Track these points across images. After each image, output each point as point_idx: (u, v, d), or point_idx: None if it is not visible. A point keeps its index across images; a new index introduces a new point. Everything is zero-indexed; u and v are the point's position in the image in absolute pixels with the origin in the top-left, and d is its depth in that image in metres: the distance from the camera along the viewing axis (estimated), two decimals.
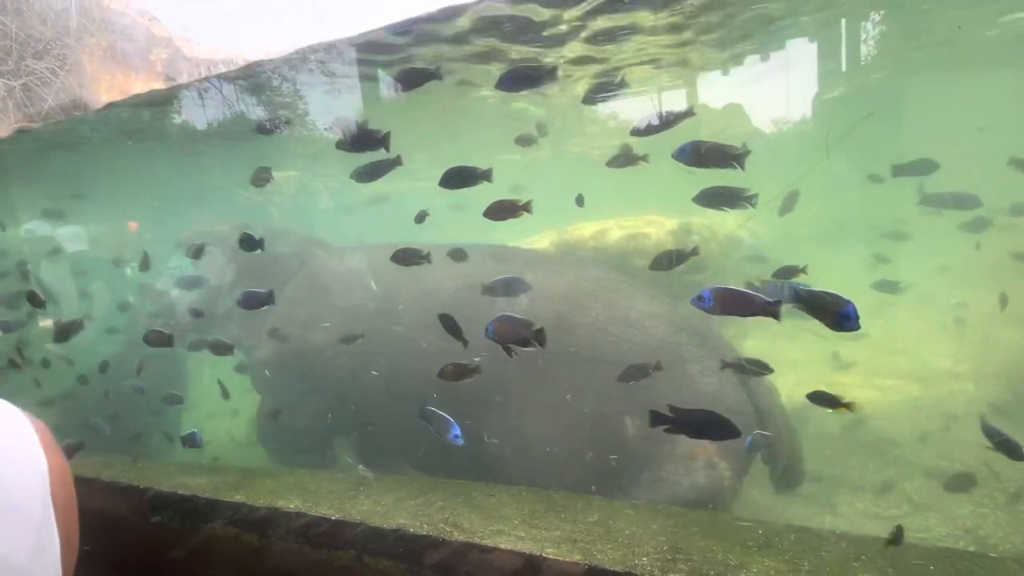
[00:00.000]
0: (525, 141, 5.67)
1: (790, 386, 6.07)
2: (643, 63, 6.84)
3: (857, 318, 2.05)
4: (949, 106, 10.37)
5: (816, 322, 2.35)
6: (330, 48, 5.87)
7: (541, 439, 4.64)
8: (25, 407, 0.99)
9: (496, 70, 6.53)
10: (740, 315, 2.50)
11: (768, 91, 9.82)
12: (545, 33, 5.37)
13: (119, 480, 4.12)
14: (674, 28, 5.85)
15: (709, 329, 4.99)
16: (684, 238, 7.34)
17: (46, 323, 7.10)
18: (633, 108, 10.21)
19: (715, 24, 5.93)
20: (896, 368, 7.44)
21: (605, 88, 6.98)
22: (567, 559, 2.73)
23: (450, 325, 3.82)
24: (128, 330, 7.68)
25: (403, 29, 5.30)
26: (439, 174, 3.64)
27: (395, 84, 5.32)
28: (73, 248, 9.91)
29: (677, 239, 7.29)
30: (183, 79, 5.69)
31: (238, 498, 3.67)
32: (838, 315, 2.08)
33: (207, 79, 6.08)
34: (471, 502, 3.47)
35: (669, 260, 4.18)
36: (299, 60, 6.21)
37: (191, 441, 4.73)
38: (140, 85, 5.52)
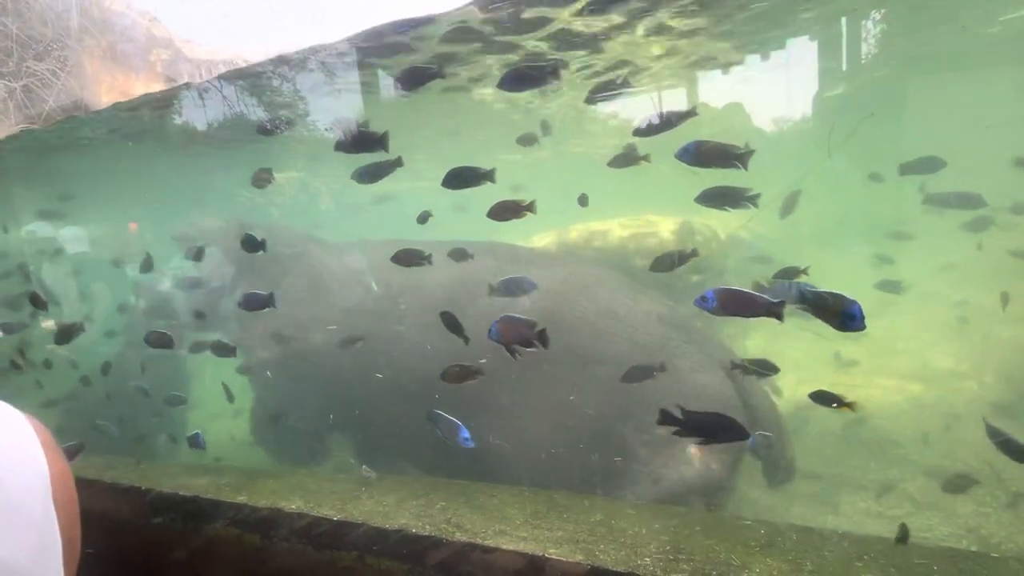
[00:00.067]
0: (527, 141, 5.66)
1: (791, 385, 6.08)
2: (645, 60, 6.84)
3: (863, 318, 2.05)
4: (949, 105, 10.36)
5: (817, 321, 2.34)
6: (330, 48, 5.87)
7: (530, 436, 4.64)
8: (26, 409, 0.99)
9: (498, 69, 6.53)
10: (743, 316, 2.50)
11: (769, 90, 9.81)
12: (547, 30, 5.38)
13: (121, 481, 4.13)
14: (671, 28, 5.86)
15: (695, 324, 5.02)
16: (686, 238, 7.33)
17: (48, 324, 7.11)
18: (634, 108, 10.22)
19: (718, 19, 5.92)
20: (898, 367, 7.43)
21: (607, 88, 6.97)
22: (569, 559, 2.73)
23: (451, 323, 3.82)
24: (127, 331, 7.68)
25: (404, 28, 5.30)
26: (441, 174, 3.64)
27: (397, 84, 5.32)
28: (73, 249, 9.92)
29: (679, 239, 7.28)
30: (183, 80, 5.69)
31: (240, 499, 3.67)
32: (843, 315, 2.08)
33: (207, 80, 6.08)
34: (473, 502, 3.47)
35: (670, 261, 4.18)
36: (299, 61, 6.21)
37: (194, 442, 4.74)
38: (141, 86, 5.52)
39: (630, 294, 5.13)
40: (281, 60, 6.09)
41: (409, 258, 4.13)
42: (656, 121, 3.27)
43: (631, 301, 5.01)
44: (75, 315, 8.88)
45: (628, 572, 2.60)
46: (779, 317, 2.37)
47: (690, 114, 3.23)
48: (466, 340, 3.81)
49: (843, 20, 7.19)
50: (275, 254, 6.43)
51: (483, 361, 3.79)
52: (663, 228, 7.46)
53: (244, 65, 5.84)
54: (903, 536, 2.73)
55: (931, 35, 7.64)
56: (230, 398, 6.14)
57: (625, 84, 6.68)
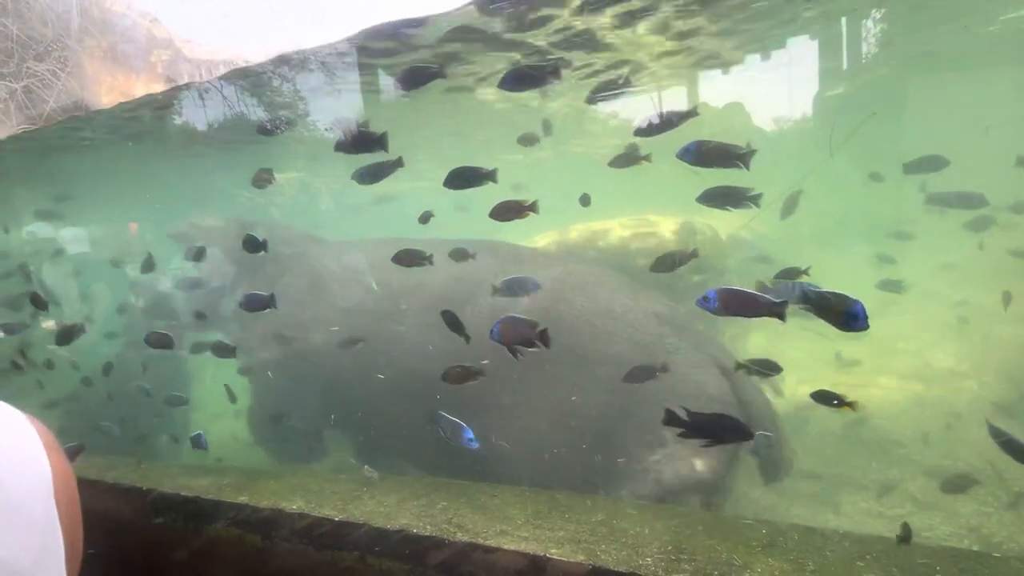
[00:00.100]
0: (528, 140, 5.66)
1: (792, 385, 6.08)
2: (646, 59, 6.84)
3: (866, 318, 2.05)
4: (950, 104, 10.35)
5: (818, 321, 2.34)
6: (331, 48, 5.87)
7: (528, 434, 4.65)
8: (28, 410, 0.99)
9: (503, 64, 6.50)
10: (745, 316, 2.50)
11: (769, 89, 9.81)
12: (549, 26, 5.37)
13: (122, 482, 4.13)
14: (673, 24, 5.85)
15: (692, 322, 5.03)
16: (687, 238, 7.33)
17: (48, 324, 7.11)
18: (634, 107, 10.22)
19: (718, 18, 5.92)
20: (898, 367, 7.43)
21: (609, 87, 6.96)
22: (571, 559, 2.72)
23: (452, 322, 3.82)
24: (127, 332, 7.69)
25: (404, 28, 5.30)
26: (442, 174, 3.64)
27: (398, 83, 5.32)
28: (74, 249, 9.93)
29: (680, 239, 7.28)
30: (184, 80, 5.69)
31: (241, 499, 3.67)
32: (847, 315, 2.08)
33: (208, 80, 6.08)
34: (474, 502, 3.47)
35: (670, 262, 4.18)
36: (299, 61, 6.21)
37: (197, 443, 4.75)
38: (141, 87, 5.52)
39: (627, 293, 5.15)
40: (281, 60, 6.09)
41: (410, 258, 4.13)
42: (657, 121, 3.27)
43: (628, 300, 5.03)
44: (76, 316, 8.89)
45: (630, 572, 2.59)
46: (781, 317, 2.37)
47: (691, 114, 3.23)
48: (467, 338, 3.81)
49: (843, 20, 7.18)
50: (274, 253, 6.43)
51: (486, 362, 3.79)
52: (664, 228, 7.45)
53: (244, 65, 5.84)
54: (906, 536, 2.73)
55: (932, 34, 7.63)
56: (232, 399, 6.15)
57: (627, 84, 6.67)
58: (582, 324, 4.75)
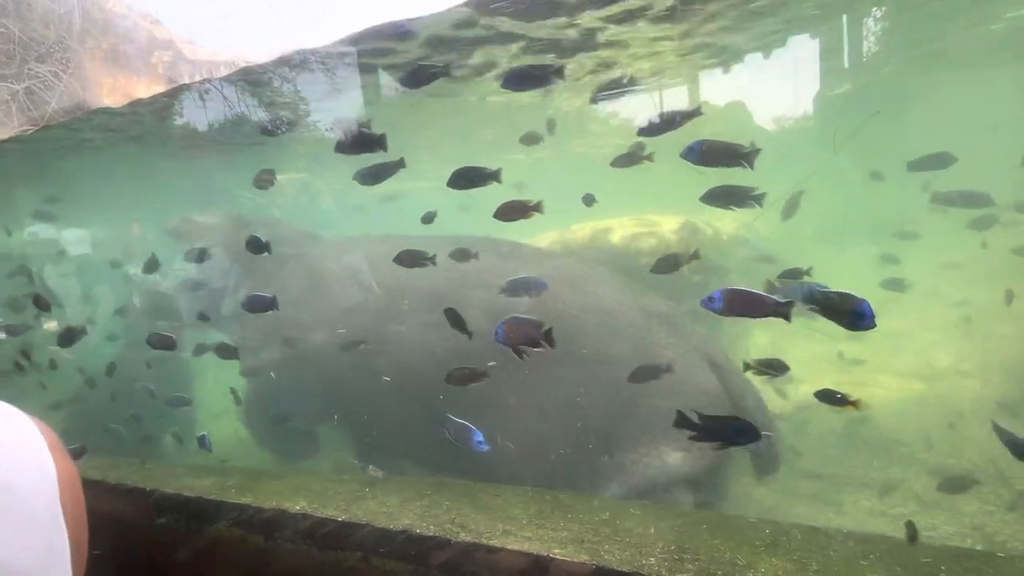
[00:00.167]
0: (530, 140, 5.65)
1: (794, 384, 6.07)
2: (648, 56, 6.82)
3: (872, 317, 2.04)
4: (951, 103, 10.33)
5: (821, 320, 2.34)
6: (331, 48, 5.87)
7: (515, 429, 4.64)
8: (32, 411, 0.99)
9: (507, 60, 6.48)
10: (751, 316, 2.50)
11: (771, 88, 9.79)
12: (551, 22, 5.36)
13: (125, 482, 4.13)
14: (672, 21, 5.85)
15: (683, 318, 5.05)
16: (688, 237, 7.32)
17: (50, 325, 7.12)
18: (634, 107, 10.21)
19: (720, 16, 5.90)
20: (901, 366, 7.42)
21: (612, 86, 6.95)
22: (574, 559, 2.72)
23: (455, 319, 3.83)
24: (128, 332, 7.70)
25: (405, 28, 5.29)
26: (443, 174, 3.64)
27: (402, 82, 5.32)
28: (75, 251, 9.94)
29: (681, 238, 7.28)
30: (185, 81, 5.69)
31: (244, 500, 3.68)
32: (853, 314, 2.07)
33: (208, 80, 6.08)
34: (477, 502, 3.47)
35: (671, 263, 4.19)
36: (300, 61, 6.21)
37: (201, 444, 4.76)
38: (142, 88, 5.52)
39: (618, 289, 5.18)
40: (282, 60, 6.09)
41: (412, 259, 4.13)
42: (661, 120, 3.26)
43: (619, 295, 5.07)
44: (77, 317, 8.90)
45: (633, 572, 2.59)
46: (787, 318, 2.37)
47: (695, 113, 3.22)
48: (469, 335, 3.82)
49: (844, 17, 7.17)
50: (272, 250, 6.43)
51: (492, 364, 3.79)
52: (665, 228, 7.45)
53: (245, 66, 5.84)
54: (913, 534, 2.72)
55: (934, 32, 7.61)
56: (237, 401, 6.16)
57: (631, 83, 6.66)
58: (572, 320, 4.76)
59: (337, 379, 5.67)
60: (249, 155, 9.66)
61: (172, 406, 6.34)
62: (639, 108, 10.04)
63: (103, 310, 9.06)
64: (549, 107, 9.61)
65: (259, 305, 4.33)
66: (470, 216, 6.38)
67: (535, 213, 3.52)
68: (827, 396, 3.13)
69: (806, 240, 9.35)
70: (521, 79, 3.29)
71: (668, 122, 3.24)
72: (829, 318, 2.21)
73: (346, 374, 5.57)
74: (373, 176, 3.70)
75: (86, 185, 10.68)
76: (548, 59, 6.30)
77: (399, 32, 5.37)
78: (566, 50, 6.16)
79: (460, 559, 2.94)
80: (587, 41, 6.00)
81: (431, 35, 5.52)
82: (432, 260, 4.09)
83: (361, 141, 3.45)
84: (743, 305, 2.47)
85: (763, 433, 4.02)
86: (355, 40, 5.61)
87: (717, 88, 9.13)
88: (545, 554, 2.79)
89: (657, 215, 7.78)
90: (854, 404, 3.03)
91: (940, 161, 4.91)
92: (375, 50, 5.94)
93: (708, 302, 2.54)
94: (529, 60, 6.27)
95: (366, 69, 6.60)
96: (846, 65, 8.60)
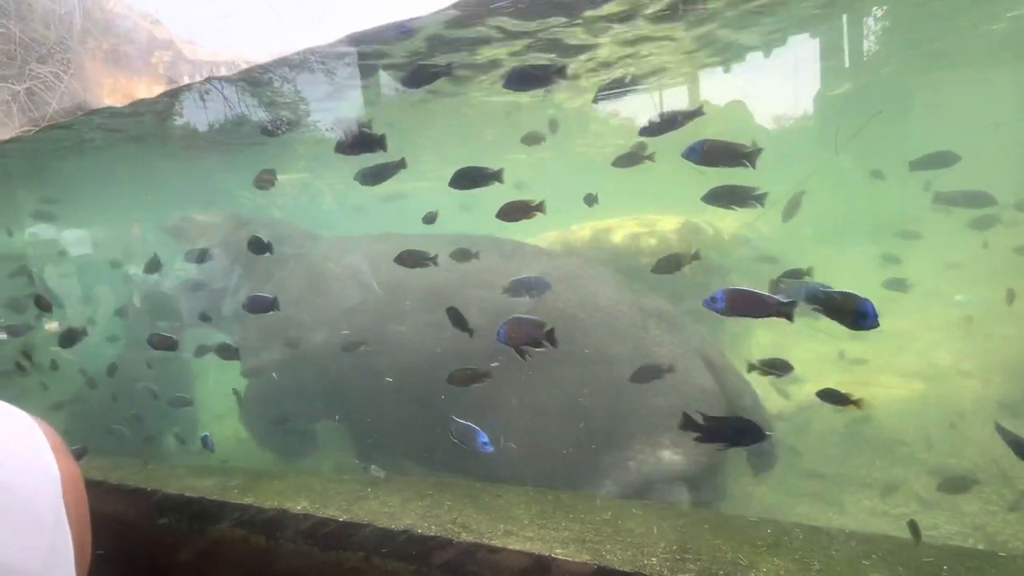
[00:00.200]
0: (532, 139, 5.65)
1: (796, 383, 6.06)
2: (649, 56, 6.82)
3: (876, 316, 2.04)
4: (952, 102, 10.32)
5: (823, 320, 2.34)
6: (332, 48, 5.87)
7: (512, 428, 4.64)
8: (34, 412, 0.99)
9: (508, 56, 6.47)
10: (753, 316, 2.50)
11: (772, 88, 9.78)
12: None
13: (127, 483, 4.13)
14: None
15: (678, 316, 5.06)
16: (689, 237, 7.32)
17: (51, 326, 7.12)
18: (635, 106, 10.20)
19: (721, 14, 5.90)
20: (902, 366, 7.41)
21: (614, 86, 6.94)
22: (576, 559, 2.72)
23: (457, 318, 3.83)
24: (128, 332, 7.70)
25: (406, 27, 5.29)
26: (445, 173, 3.63)
27: (403, 82, 5.31)
28: (76, 251, 9.94)
29: (682, 238, 7.27)
30: (185, 82, 5.69)
31: (246, 500, 3.68)
32: (856, 313, 2.07)
33: (208, 80, 6.08)
34: (479, 502, 3.47)
35: (672, 264, 4.18)
36: (300, 61, 6.21)
37: (204, 444, 4.76)
38: (142, 88, 5.52)
39: (612, 286, 5.20)
40: (282, 61, 6.08)
41: (413, 259, 4.12)
42: (663, 120, 3.26)
43: (612, 292, 5.08)
44: (78, 317, 8.90)
45: (635, 572, 2.59)
46: (789, 318, 2.37)
47: (697, 113, 3.22)
48: (471, 333, 3.83)
49: (843, 17, 7.16)
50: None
51: (495, 365, 3.80)
52: (666, 227, 7.45)
53: (245, 66, 5.84)
54: (916, 533, 2.72)
55: (935, 31, 7.60)
56: (240, 402, 6.16)
57: (634, 82, 6.66)
58: (568, 318, 4.77)
59: (337, 378, 5.68)
60: (250, 155, 9.66)
61: (173, 406, 6.34)
62: (640, 108, 10.04)
63: (103, 310, 9.06)
64: (550, 107, 9.61)
65: (260, 306, 4.33)
66: (472, 216, 6.38)
67: (537, 213, 3.52)
68: (829, 395, 3.13)
69: (807, 240, 9.34)
70: (523, 79, 3.29)
71: (669, 122, 3.24)
72: (832, 318, 2.21)
73: (346, 373, 5.58)
74: (374, 176, 3.70)
75: (87, 185, 10.69)
76: (549, 58, 6.30)
77: (400, 32, 5.37)
78: (567, 49, 6.16)
79: (462, 559, 2.94)
80: (588, 40, 5.99)
81: (432, 34, 5.51)
82: (434, 260, 4.09)
83: (361, 141, 3.45)
84: (745, 305, 2.47)
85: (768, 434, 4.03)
86: (355, 40, 5.61)
87: (717, 87, 9.13)
88: (547, 554, 2.79)
89: (658, 215, 7.78)
90: (856, 403, 3.02)
91: (943, 160, 4.89)
92: (376, 50, 5.94)
93: (711, 302, 2.54)
94: (533, 59, 6.27)
95: (366, 69, 6.60)
96: (846, 64, 8.59)
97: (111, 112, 5.86)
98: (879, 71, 9.22)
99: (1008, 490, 4.85)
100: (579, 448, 4.50)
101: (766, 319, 2.56)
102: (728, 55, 7.37)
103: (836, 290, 2.20)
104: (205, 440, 4.77)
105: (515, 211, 3.54)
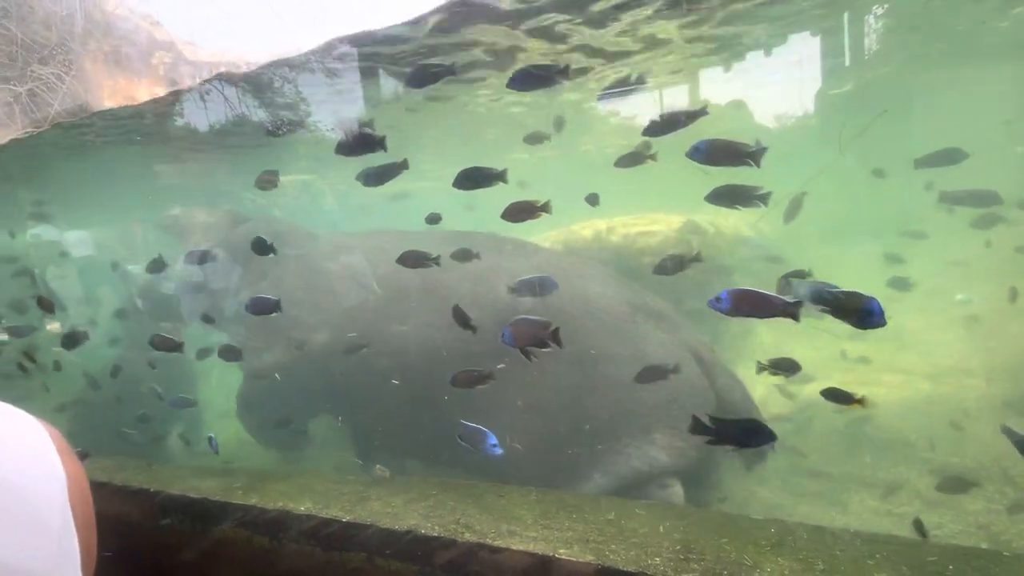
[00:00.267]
0: (535, 139, 5.65)
1: (799, 383, 6.05)
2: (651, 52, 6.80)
3: (882, 314, 2.04)
4: (953, 101, 10.28)
5: (826, 319, 2.33)
6: (332, 49, 5.86)
7: (504, 424, 4.64)
8: (36, 413, 0.99)
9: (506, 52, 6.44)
10: (758, 316, 2.49)
11: (773, 87, 9.76)
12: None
13: (130, 484, 4.14)
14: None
15: (668, 311, 5.08)
16: (691, 236, 7.31)
17: (53, 327, 7.13)
18: (637, 105, 10.19)
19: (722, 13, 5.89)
20: (906, 364, 7.39)
21: (618, 85, 6.94)
22: (579, 559, 2.72)
23: (460, 317, 3.83)
24: (128, 333, 7.70)
25: (406, 27, 5.29)
26: (448, 173, 3.63)
27: (407, 82, 5.30)
28: (77, 252, 9.95)
29: (684, 237, 7.26)
30: (186, 83, 5.69)
31: (249, 501, 3.68)
32: (863, 312, 2.06)
33: (209, 81, 6.08)
34: (482, 503, 3.46)
35: (673, 265, 4.18)
36: (301, 62, 6.20)
37: (209, 445, 4.77)
38: (143, 90, 5.52)
39: (603, 281, 5.24)
40: (283, 62, 6.08)
41: (416, 259, 4.12)
42: (666, 120, 3.25)
43: (602, 287, 5.12)
44: (80, 318, 8.91)
45: (638, 572, 2.59)
46: (795, 318, 2.36)
47: (700, 113, 3.21)
48: (474, 330, 3.83)
49: (844, 16, 7.14)
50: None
51: (501, 366, 3.80)
52: (668, 226, 7.44)
53: (246, 68, 5.84)
54: (922, 531, 2.72)
55: (939, 30, 7.58)
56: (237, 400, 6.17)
57: (639, 81, 6.65)
58: (555, 310, 4.78)
59: (331, 375, 5.68)
60: (251, 156, 9.66)
61: (175, 407, 6.34)
62: (643, 107, 10.03)
63: (105, 311, 9.07)
64: (552, 106, 9.59)
65: (262, 307, 4.33)
66: (475, 215, 6.38)
67: (542, 213, 3.52)
68: (833, 394, 3.12)
69: (810, 239, 9.33)
70: (527, 79, 3.28)
71: (673, 122, 3.23)
72: (839, 317, 2.21)
73: (355, 375, 5.58)
74: (376, 177, 3.69)
75: (88, 186, 10.69)
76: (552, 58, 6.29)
77: (400, 32, 5.36)
78: (572, 48, 6.15)
79: (465, 559, 2.94)
80: (590, 39, 5.98)
81: (432, 33, 5.50)
82: (436, 261, 4.09)
83: (362, 142, 3.44)
84: (751, 305, 2.46)
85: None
86: (356, 40, 5.61)
87: (718, 87, 9.11)
88: (550, 554, 2.78)
89: (660, 214, 7.77)
90: (860, 402, 3.02)
91: (950, 157, 4.86)
92: (376, 51, 5.94)
93: (715, 302, 2.53)
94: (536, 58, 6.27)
95: (367, 70, 6.59)
96: (848, 63, 8.57)
97: (112, 113, 5.87)
98: (880, 70, 9.19)
99: (1011, 489, 4.84)
100: (569, 443, 4.51)
101: (769, 319, 2.55)
102: (730, 54, 7.36)
103: (841, 290, 2.20)
104: (211, 441, 4.77)
105: (520, 212, 3.53)
